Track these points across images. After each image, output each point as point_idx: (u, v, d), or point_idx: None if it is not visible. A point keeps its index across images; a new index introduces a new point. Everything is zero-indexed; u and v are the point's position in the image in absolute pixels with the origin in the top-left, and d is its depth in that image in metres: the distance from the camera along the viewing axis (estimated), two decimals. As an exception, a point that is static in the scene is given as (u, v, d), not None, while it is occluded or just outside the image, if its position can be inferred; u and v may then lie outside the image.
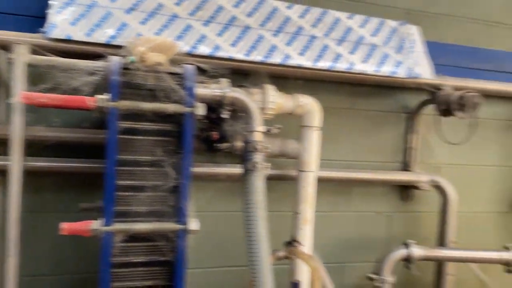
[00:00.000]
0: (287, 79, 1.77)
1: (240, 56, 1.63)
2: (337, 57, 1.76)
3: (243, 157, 1.39)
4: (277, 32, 1.72)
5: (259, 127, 1.42)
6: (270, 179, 1.46)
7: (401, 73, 1.83)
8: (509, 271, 1.85)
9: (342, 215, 2.04)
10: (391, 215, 2.10)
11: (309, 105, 1.64)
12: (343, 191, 2.02)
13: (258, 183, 1.34)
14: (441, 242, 1.99)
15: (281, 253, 1.62)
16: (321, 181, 1.75)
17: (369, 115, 2.05)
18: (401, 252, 1.80)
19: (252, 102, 1.44)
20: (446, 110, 1.79)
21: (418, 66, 1.87)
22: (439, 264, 2.00)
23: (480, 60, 2.17)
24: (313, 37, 1.76)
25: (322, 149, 1.73)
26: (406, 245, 1.82)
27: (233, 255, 1.83)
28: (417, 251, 1.80)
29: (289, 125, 1.64)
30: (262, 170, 1.35)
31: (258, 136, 1.40)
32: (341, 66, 1.75)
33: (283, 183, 1.82)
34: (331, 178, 1.90)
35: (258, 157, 1.36)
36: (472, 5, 2.18)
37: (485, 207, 2.25)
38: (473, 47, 2.17)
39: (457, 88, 1.83)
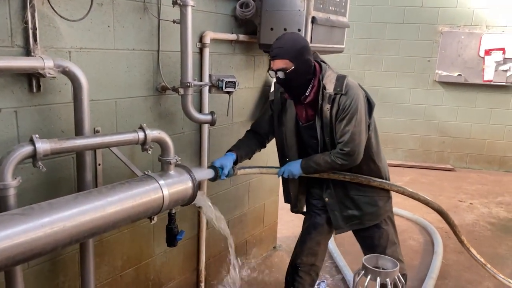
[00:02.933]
0: None
1: None
2: None
3: None
4: None
5: None
6: None
7: None
8: (144, 150, 1.90)
9: None
10: (17, 111, 1.77)
11: None
12: None
13: None
14: (80, 133, 1.85)
15: None
16: None
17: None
18: (25, 150, 1.54)
19: None
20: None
21: None
22: (80, 155, 1.88)
23: None
24: None
25: None
26: (31, 141, 1.57)
27: None
28: (43, 145, 1.57)
29: None
30: None
31: None
32: None
33: None
34: None
35: None
36: None
37: (128, 92, 2.22)
38: None
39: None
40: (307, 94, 2.20)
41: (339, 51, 3.07)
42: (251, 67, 3.07)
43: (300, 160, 2.32)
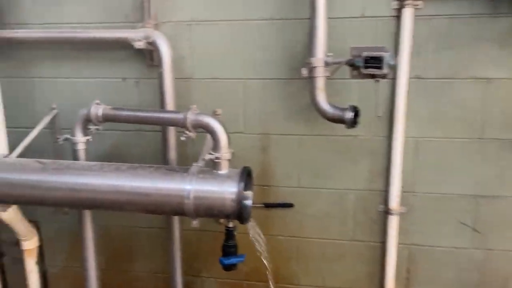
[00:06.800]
0: None
1: None
2: None
3: None
4: None
5: None
6: None
7: None
8: (184, 136, 1.55)
9: (86, 82, 1.98)
10: (138, 81, 1.93)
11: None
12: (83, 57, 1.95)
13: None
14: (164, 107, 1.77)
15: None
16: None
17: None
18: (84, 113, 1.69)
19: None
20: None
21: None
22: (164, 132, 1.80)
23: None
24: None
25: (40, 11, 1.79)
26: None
27: None
28: (95, 110, 1.65)
29: None
30: None
31: None
32: None
33: None
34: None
35: None
36: None
37: (261, 72, 1.82)
38: None
39: None
40: None
41: None
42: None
43: None
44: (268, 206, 1.94)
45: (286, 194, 1.91)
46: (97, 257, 1.91)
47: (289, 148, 1.86)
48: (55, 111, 1.98)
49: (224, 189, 1.46)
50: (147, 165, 1.60)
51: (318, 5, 1.55)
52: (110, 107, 1.66)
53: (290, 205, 1.93)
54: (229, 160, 1.50)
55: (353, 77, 1.52)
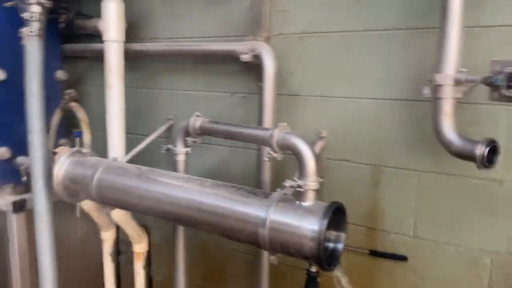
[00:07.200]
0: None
1: None
2: None
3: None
4: None
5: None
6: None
7: None
8: (268, 156, 1.36)
9: (198, 95, 1.97)
10: (245, 96, 1.83)
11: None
12: (197, 69, 1.95)
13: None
14: (260, 124, 1.63)
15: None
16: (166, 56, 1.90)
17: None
18: (183, 125, 1.67)
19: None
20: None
21: None
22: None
23: None
24: None
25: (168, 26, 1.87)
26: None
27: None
28: (193, 122, 1.61)
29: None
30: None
31: None
32: None
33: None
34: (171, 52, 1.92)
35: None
36: None
37: (378, 92, 1.53)
38: None
39: None
40: None
41: None
42: None
43: None
44: (375, 254, 1.60)
45: (397, 243, 1.54)
46: (189, 271, 1.86)
47: (406, 185, 1.51)
48: (170, 122, 2.04)
49: (302, 225, 1.22)
50: (231, 184, 1.46)
51: (451, 10, 1.21)
52: (208, 120, 1.60)
53: (403, 258, 1.55)
54: (315, 190, 1.26)
55: (492, 99, 1.12)
